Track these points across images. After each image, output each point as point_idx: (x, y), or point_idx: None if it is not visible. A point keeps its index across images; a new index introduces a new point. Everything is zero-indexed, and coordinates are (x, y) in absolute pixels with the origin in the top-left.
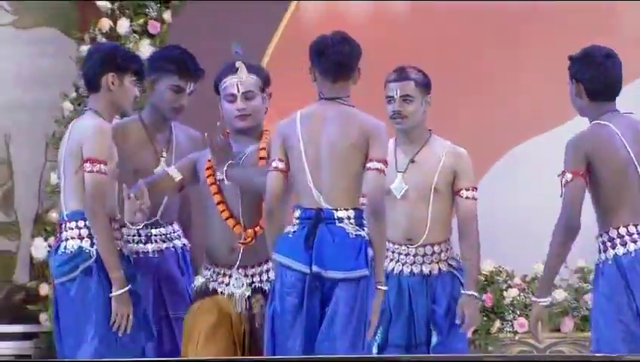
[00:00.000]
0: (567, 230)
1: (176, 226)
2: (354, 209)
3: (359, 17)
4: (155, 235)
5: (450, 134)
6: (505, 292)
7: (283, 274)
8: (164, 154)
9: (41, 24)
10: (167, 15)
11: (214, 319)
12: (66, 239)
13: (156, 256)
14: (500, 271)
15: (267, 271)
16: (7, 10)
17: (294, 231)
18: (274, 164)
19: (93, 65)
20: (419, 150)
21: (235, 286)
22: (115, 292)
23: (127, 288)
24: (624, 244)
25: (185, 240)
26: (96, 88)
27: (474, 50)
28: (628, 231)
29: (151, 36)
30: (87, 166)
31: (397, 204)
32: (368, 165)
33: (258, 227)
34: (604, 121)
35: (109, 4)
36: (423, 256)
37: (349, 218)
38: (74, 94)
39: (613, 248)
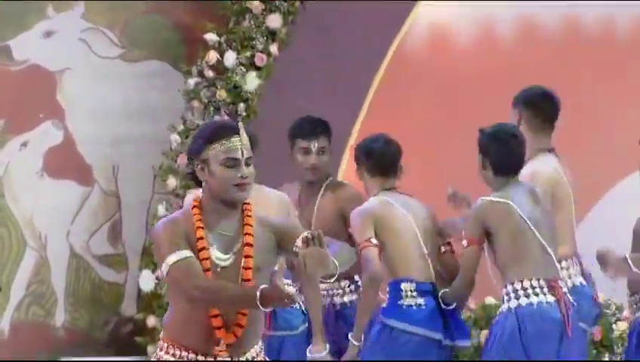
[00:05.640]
0: None
1: None
2: None
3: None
4: None
5: None
6: (614, 325)
7: None
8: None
9: (149, 57)
10: (273, 48)
11: None
12: None
13: None
14: (609, 304)
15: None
16: (116, 43)
17: None
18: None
19: None
20: None
21: None
22: None
23: None
24: (527, 296)
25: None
26: None
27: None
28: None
29: (257, 68)
30: None
31: None
32: None
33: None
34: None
35: (216, 37)
36: None
37: None
38: (181, 127)
39: (517, 299)
